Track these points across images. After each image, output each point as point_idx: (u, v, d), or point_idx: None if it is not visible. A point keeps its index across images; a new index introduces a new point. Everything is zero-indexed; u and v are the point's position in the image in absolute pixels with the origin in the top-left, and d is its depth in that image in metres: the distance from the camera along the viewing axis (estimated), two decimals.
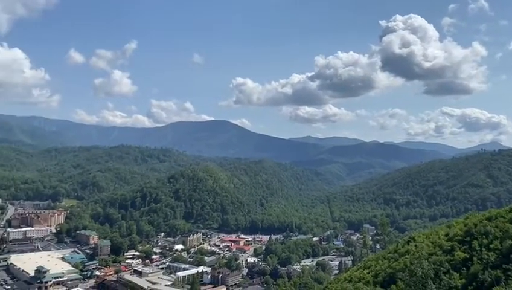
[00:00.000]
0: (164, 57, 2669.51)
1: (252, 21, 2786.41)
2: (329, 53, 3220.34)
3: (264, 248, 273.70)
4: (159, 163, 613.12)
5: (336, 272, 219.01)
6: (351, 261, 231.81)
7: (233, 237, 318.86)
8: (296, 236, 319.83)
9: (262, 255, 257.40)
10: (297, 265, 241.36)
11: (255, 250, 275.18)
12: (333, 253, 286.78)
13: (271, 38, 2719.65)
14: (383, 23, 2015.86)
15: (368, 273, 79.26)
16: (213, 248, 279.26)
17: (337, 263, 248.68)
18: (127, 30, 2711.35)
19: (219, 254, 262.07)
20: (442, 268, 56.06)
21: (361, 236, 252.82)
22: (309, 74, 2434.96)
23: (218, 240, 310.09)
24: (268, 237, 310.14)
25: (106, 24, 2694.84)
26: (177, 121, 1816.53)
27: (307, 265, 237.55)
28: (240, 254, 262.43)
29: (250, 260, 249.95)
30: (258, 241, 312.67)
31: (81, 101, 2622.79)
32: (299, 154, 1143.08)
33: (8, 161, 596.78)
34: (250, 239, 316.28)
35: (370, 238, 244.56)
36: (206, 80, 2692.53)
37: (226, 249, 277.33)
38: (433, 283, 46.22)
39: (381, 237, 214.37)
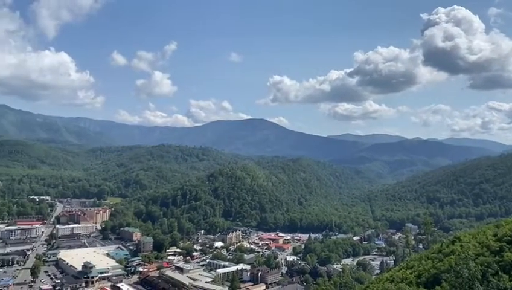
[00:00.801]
0: (202, 57, 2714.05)
1: (289, 18, 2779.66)
2: (369, 48, 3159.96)
3: (303, 246, 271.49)
4: (198, 162, 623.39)
5: (377, 272, 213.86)
6: (392, 261, 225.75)
7: (272, 235, 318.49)
8: (335, 235, 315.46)
9: (301, 254, 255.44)
10: (337, 264, 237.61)
11: (294, 249, 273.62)
12: (374, 253, 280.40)
13: (308, 35, 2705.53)
14: (424, 16, 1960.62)
15: (411, 273, 76.90)
16: (252, 246, 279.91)
17: (378, 262, 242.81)
18: (167, 32, 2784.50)
19: (258, 252, 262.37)
20: (490, 270, 53.30)
21: (404, 235, 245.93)
22: (348, 70, 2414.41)
23: (257, 238, 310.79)
24: (308, 235, 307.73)
25: (147, 26, 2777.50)
26: (215, 120, 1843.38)
27: (347, 264, 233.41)
28: (279, 252, 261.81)
29: (289, 258, 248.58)
30: (297, 239, 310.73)
31: (123, 102, 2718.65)
32: (338, 152, 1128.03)
33: (56, 160, 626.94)
34: (289, 238, 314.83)
35: (412, 237, 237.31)
36: (243, 78, 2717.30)
37: (265, 247, 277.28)
38: (481, 285, 44.13)
39: (425, 237, 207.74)
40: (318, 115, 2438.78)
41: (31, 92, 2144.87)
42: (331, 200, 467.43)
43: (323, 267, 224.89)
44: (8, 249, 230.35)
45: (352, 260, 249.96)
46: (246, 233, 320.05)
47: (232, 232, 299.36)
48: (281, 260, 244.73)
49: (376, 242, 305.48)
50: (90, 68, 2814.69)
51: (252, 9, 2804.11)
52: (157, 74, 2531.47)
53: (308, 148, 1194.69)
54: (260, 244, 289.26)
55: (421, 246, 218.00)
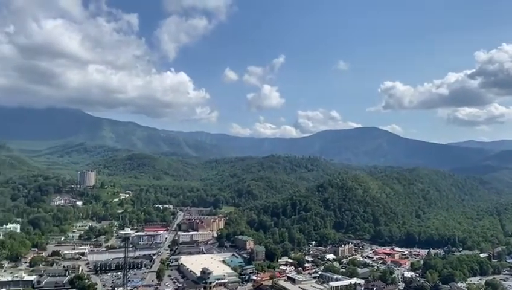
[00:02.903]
0: (309, 68, 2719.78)
1: (397, 21, 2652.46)
2: (492, 46, 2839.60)
3: (422, 262, 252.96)
4: (307, 172, 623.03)
5: None
6: None
7: (387, 249, 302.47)
8: (459, 251, 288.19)
9: (420, 270, 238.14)
10: (462, 283, 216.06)
11: (411, 264, 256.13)
12: (506, 272, 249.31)
13: (420, 36, 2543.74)
14: None
15: None
16: (366, 260, 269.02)
17: (511, 283, 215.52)
18: (275, 46, 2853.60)
19: (372, 266, 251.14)
20: None
21: None
22: (468, 72, 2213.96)
23: (371, 251, 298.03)
24: (427, 251, 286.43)
25: (256, 43, 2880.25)
26: (324, 130, 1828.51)
27: (474, 284, 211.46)
28: (395, 268, 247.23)
29: (407, 274, 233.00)
30: (414, 255, 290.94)
31: (236, 115, 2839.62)
32: (460, 161, 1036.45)
33: (177, 171, 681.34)
34: (406, 252, 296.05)
35: None
36: (352, 86, 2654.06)
37: (380, 262, 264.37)
38: None
39: None
40: (435, 121, 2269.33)
41: (156, 110, 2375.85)
42: (453, 213, 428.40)
43: (445, 286, 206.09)
44: (137, 253, 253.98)
45: (480, 279, 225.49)
46: (358, 246, 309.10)
47: (344, 244, 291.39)
48: (398, 275, 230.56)
49: (508, 260, 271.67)
50: (206, 85, 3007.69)
51: (357, 14, 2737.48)
52: (266, 87, 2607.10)
53: (425, 156, 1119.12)
54: (374, 258, 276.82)
55: None
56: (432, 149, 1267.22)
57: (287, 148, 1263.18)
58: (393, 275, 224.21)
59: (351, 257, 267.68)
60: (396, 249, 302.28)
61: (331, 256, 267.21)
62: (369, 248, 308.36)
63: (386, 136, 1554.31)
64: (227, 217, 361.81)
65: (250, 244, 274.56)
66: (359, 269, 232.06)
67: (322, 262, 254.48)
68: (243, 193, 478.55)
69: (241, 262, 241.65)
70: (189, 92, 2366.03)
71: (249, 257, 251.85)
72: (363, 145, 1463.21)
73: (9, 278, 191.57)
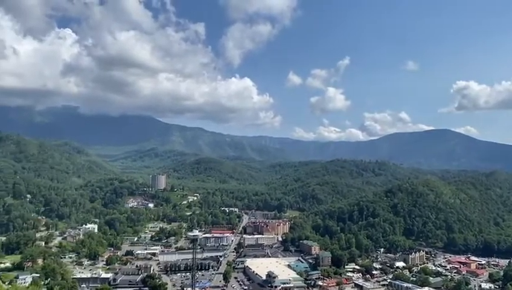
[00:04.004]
0: (376, 69, 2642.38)
1: (469, 16, 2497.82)
2: None
3: (502, 273, 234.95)
4: (374, 176, 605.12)
5: None
6: None
7: (462, 258, 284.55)
8: None
9: (500, 282, 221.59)
10: None
11: (490, 275, 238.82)
12: None
13: (496, 31, 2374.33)
14: None
15: None
16: (438, 269, 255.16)
17: None
18: (340, 48, 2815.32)
19: (446, 275, 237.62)
20: None
21: None
22: None
23: (444, 260, 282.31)
24: (507, 261, 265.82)
25: (320, 45, 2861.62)
26: (392, 133, 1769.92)
27: None
28: (472, 278, 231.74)
29: (485, 285, 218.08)
30: (493, 265, 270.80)
31: (299, 119, 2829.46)
32: None
33: (242, 175, 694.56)
34: (483, 262, 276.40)
35: None
36: (422, 87, 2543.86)
37: (454, 272, 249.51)
38: None
39: None
40: None
41: (221, 116, 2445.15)
42: None
43: None
44: (204, 255, 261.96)
45: None
46: (430, 254, 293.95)
47: (415, 252, 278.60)
48: (474, 286, 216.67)
49: None
50: (269, 90, 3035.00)
51: (426, 14, 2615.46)
52: (330, 89, 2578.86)
53: (504, 160, 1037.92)
54: (448, 267, 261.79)
55: None
56: (511, 152, 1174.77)
57: (352, 152, 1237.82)
58: (469, 286, 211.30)
59: (422, 266, 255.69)
60: (473, 258, 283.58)
61: (400, 264, 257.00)
62: (442, 257, 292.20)
63: (459, 138, 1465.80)
64: (292, 221, 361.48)
65: (315, 249, 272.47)
66: (431, 278, 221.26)
67: (391, 270, 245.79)
68: (307, 197, 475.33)
69: (307, 267, 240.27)
70: (253, 97, 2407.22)
71: (314, 262, 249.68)
72: (434, 148, 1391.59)
73: (89, 275, 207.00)
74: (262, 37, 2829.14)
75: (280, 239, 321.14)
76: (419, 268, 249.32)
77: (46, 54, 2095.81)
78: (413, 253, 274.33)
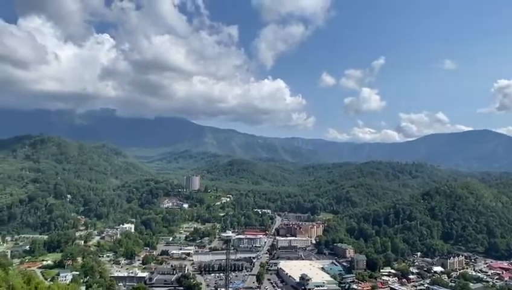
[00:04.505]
0: (412, 68, 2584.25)
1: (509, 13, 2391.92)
2: None
3: None
4: (411, 179, 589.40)
5: None
6: None
7: (505, 263, 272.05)
8: None
9: None
10: None
11: None
12: None
13: None
14: None
15: None
16: (479, 274, 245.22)
17: None
18: (375, 48, 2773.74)
19: (487, 281, 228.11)
20: None
21: None
22: None
23: (485, 265, 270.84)
24: None
25: (355, 45, 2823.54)
26: (429, 134, 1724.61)
27: None
28: None
29: None
30: None
31: (332, 120, 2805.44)
32: None
33: (274, 177, 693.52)
34: None
35: None
36: (460, 86, 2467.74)
37: (496, 277, 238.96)
38: None
39: None
40: None
41: (254, 117, 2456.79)
42: None
43: None
44: (238, 256, 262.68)
45: None
46: (470, 259, 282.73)
47: (454, 257, 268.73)
48: None
49: None
50: (302, 91, 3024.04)
51: (464, 13, 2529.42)
52: (365, 90, 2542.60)
53: None
54: (489, 273, 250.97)
55: None
56: None
57: (388, 153, 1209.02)
58: None
59: (461, 271, 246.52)
60: None
61: (438, 268, 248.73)
62: (483, 262, 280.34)
63: (501, 139, 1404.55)
64: (325, 224, 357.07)
65: (350, 252, 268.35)
66: (471, 284, 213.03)
67: (428, 274, 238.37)
68: (341, 199, 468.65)
69: (341, 270, 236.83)
70: (285, 98, 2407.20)
71: (348, 265, 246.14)
72: (474, 149, 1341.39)
73: (125, 274, 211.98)
74: (295, 38, 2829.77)
75: (313, 242, 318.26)
76: (458, 273, 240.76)
77: (86, 59, 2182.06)
78: (451, 257, 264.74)
